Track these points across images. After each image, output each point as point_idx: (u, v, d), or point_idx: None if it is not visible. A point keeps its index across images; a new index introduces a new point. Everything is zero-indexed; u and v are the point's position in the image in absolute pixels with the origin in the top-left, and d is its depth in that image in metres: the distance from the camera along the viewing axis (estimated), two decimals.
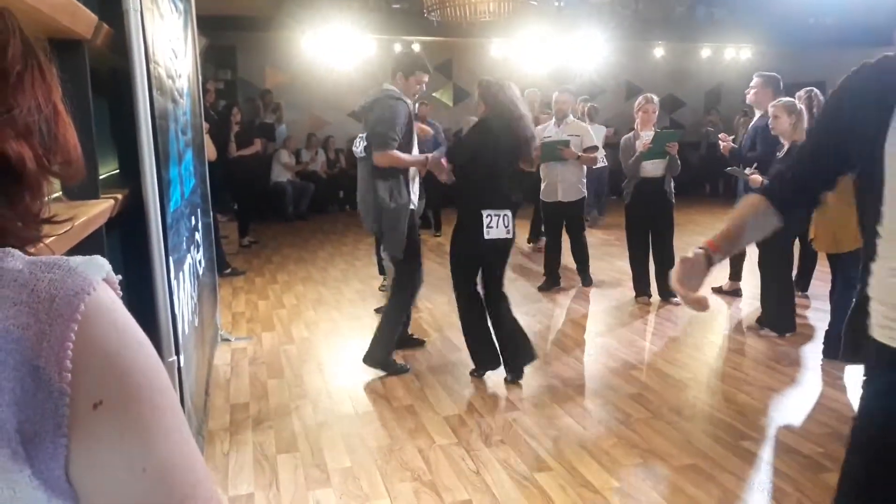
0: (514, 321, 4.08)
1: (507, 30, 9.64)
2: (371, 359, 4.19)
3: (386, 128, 3.98)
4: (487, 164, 3.86)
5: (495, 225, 3.86)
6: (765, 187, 1.63)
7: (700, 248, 1.50)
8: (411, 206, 4.20)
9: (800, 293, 5.59)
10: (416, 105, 4.32)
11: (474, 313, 4.07)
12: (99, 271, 0.58)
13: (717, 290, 5.88)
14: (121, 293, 0.61)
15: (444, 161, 4.09)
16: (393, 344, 4.24)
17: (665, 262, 5.52)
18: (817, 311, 5.32)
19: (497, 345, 4.06)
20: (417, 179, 4.33)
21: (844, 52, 11.75)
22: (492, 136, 3.86)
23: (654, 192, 5.53)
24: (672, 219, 5.68)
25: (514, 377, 4.05)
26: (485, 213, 3.86)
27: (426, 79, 4.28)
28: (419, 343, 4.71)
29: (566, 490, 2.89)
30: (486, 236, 3.86)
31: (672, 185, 5.61)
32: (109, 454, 0.55)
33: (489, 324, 4.06)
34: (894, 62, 1.43)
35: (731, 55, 13.08)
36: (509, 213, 3.93)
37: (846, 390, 3.86)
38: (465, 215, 3.99)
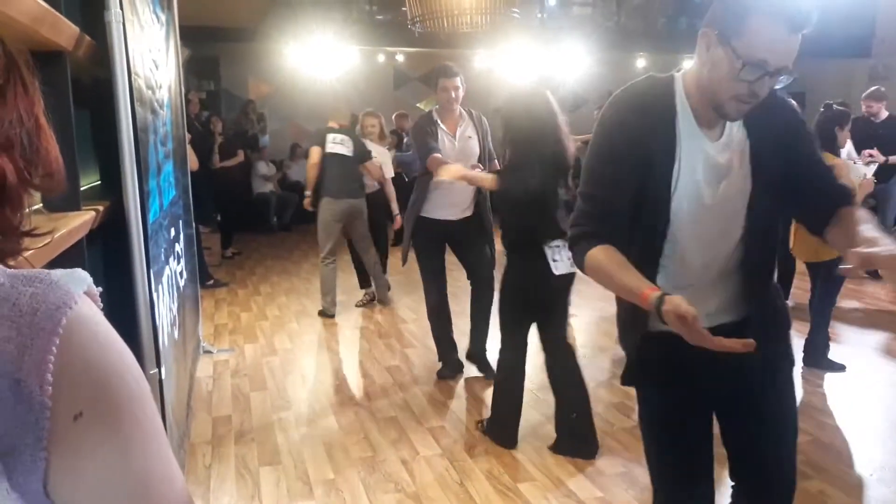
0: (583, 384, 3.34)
1: (491, 41, 9.69)
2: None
3: (419, 145, 4.11)
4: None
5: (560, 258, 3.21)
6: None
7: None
8: (424, 215, 4.17)
9: None
10: (459, 113, 4.18)
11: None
12: (80, 284, 0.58)
13: None
14: (101, 305, 0.61)
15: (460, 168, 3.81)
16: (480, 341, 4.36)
17: None
18: (797, 320, 5.37)
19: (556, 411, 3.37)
20: (457, 188, 4.01)
21: (824, 62, 11.93)
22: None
23: None
24: None
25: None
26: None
27: (449, 82, 4.06)
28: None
29: (550, 500, 2.89)
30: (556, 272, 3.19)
31: None
32: (89, 466, 0.55)
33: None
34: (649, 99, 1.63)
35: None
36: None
37: (826, 398, 3.90)
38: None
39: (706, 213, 1.60)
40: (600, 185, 1.59)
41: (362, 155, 5.69)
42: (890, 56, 11.37)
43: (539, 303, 3.29)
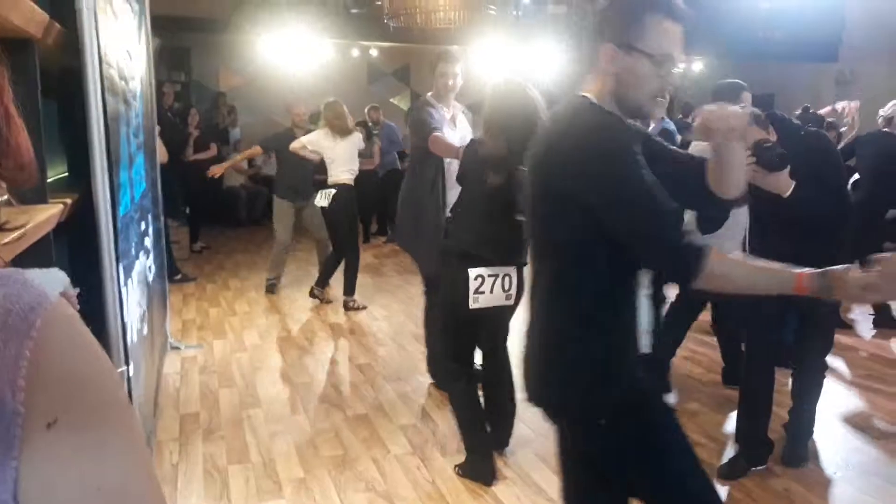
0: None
1: (465, 38, 9.68)
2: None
3: (420, 125, 3.76)
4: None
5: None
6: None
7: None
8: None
9: None
10: (452, 110, 3.96)
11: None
12: (57, 285, 0.55)
13: None
14: (78, 307, 0.58)
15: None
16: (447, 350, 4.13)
17: None
18: None
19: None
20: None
21: (793, 66, 12.13)
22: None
23: None
24: None
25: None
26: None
27: (449, 67, 3.87)
28: None
29: (521, 500, 2.89)
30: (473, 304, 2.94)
31: None
32: (63, 474, 0.52)
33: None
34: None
35: (683, 67, 13.35)
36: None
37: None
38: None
39: None
40: (658, 198, 1.52)
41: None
42: (856, 61, 11.60)
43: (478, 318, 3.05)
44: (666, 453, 1.68)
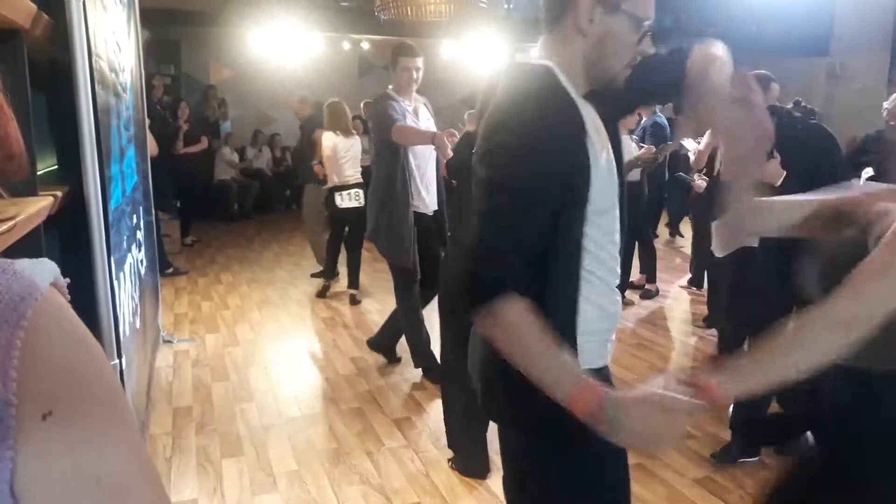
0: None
1: (457, 31, 9.66)
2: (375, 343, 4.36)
3: (383, 118, 3.78)
4: None
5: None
6: None
7: None
8: (416, 208, 3.93)
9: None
10: (413, 105, 3.97)
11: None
12: (47, 275, 0.54)
13: (686, 287, 6.01)
14: (69, 297, 0.58)
15: (450, 138, 3.68)
16: (399, 337, 4.30)
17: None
18: None
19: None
20: (431, 176, 4.02)
21: (785, 60, 12.14)
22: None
23: (632, 196, 5.63)
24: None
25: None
26: None
27: (411, 62, 3.87)
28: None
29: None
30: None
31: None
32: (61, 465, 0.52)
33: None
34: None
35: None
36: None
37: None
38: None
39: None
40: (524, 230, 1.23)
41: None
42: (847, 55, 11.63)
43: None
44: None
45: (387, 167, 3.86)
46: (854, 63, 11.57)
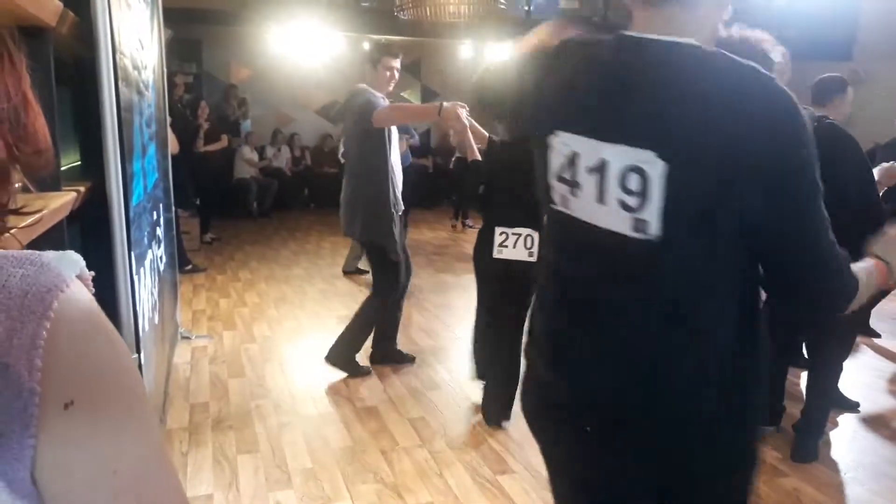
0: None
1: (477, 32, 9.66)
2: (333, 357, 4.15)
3: (367, 107, 3.81)
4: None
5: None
6: None
7: None
8: (398, 207, 4.02)
9: None
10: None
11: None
12: (73, 267, 0.55)
13: None
14: (94, 290, 0.59)
15: (461, 109, 3.70)
16: (360, 345, 4.20)
17: None
18: None
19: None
20: (400, 176, 4.11)
21: (806, 64, 12.02)
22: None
23: None
24: None
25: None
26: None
27: (395, 62, 3.96)
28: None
29: (529, 493, 2.89)
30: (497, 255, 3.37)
31: None
32: (80, 455, 0.53)
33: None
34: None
35: None
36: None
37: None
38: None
39: None
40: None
41: None
42: (870, 61, 11.50)
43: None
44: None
45: (367, 162, 3.92)
46: (878, 68, 11.44)
